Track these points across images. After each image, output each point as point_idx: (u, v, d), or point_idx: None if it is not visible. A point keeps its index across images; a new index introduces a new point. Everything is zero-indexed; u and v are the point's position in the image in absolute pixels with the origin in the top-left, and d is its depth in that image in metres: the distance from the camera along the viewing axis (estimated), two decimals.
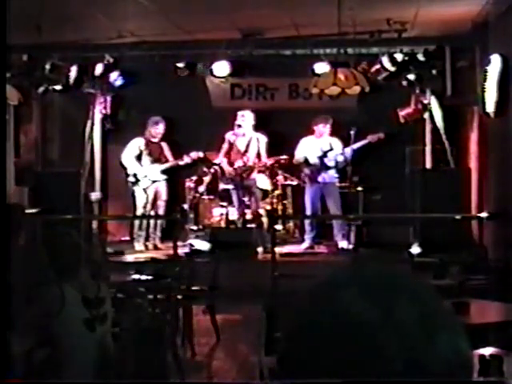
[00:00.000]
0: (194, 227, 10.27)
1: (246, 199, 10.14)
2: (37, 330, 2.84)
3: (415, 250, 8.91)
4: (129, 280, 6.32)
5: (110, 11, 8.29)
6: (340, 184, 10.15)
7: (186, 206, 10.35)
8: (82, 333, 2.96)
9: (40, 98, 10.59)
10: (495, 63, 8.07)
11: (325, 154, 9.96)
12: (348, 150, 10.01)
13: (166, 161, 10.41)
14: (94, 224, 10.72)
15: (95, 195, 10.94)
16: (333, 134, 10.09)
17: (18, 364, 2.73)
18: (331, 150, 9.99)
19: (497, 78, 8.04)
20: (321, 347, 0.92)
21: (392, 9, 8.43)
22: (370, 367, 0.90)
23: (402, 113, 10.15)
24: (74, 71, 10.11)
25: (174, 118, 10.67)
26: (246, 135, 10.15)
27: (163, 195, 10.37)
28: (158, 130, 10.44)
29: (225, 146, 10.20)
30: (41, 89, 10.08)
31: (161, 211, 10.36)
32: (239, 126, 10.09)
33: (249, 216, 10.08)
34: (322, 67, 9.75)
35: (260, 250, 9.42)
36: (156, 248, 10.26)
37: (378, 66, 9.86)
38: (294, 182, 10.39)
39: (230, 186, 10.19)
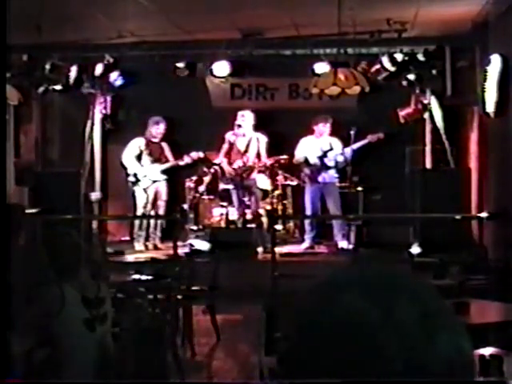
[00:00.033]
0: (194, 227, 10.27)
1: (246, 199, 10.13)
2: (37, 330, 2.84)
3: (415, 249, 8.91)
4: (129, 280, 6.33)
5: (110, 11, 8.29)
6: (340, 184, 10.15)
7: (185, 206, 10.35)
8: (81, 333, 2.96)
9: (40, 97, 10.59)
10: (495, 63, 8.07)
11: (325, 154, 9.96)
12: (348, 150, 10.02)
13: (167, 161, 10.40)
14: (94, 224, 10.72)
15: (95, 195, 10.94)
16: (333, 133, 10.09)
17: (17, 364, 2.73)
18: (331, 149, 9.99)
19: (497, 78, 8.04)
20: (321, 347, 0.92)
21: (392, 9, 8.43)
22: (371, 367, 0.90)
23: (402, 113, 10.15)
24: (73, 71, 10.12)
25: (174, 118, 10.66)
26: (246, 135, 10.15)
27: (163, 195, 10.37)
28: (158, 129, 10.43)
29: (225, 146, 10.19)
30: (41, 89, 10.08)
31: (161, 211, 10.35)
32: (239, 126, 10.08)
33: (249, 216, 10.07)
34: (321, 67, 9.75)
35: (260, 249, 9.42)
36: (156, 248, 10.25)
37: (378, 66, 9.86)
38: (294, 182, 10.39)
39: (230, 186, 10.19)
